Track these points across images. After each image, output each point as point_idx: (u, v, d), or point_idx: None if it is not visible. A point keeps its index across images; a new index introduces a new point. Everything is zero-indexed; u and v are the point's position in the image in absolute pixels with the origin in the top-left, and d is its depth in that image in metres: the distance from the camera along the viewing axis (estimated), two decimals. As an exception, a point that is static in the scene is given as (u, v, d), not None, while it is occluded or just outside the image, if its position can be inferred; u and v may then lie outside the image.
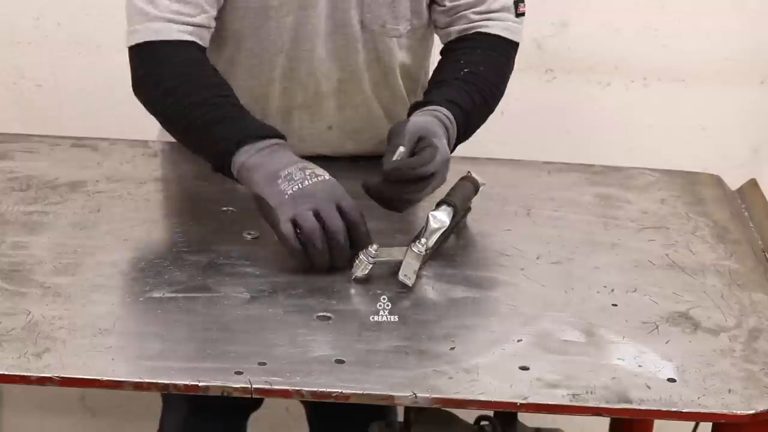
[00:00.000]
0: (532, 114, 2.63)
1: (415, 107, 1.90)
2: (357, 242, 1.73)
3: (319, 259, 1.71)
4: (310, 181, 1.73)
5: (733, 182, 2.19)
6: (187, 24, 1.86)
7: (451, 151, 1.87)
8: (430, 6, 2.02)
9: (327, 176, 1.74)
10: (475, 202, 1.97)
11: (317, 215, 1.70)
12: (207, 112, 1.80)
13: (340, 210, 1.72)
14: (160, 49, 1.85)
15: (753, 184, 2.14)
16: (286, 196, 1.71)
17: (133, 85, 1.88)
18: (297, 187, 1.72)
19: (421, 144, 1.79)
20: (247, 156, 1.77)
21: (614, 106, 2.67)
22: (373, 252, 1.72)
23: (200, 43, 1.88)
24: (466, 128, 1.91)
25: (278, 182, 1.73)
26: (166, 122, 1.88)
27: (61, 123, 2.57)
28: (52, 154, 2.15)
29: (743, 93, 2.65)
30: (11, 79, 2.64)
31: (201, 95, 1.82)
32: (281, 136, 1.81)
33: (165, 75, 1.85)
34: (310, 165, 1.76)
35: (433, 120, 1.84)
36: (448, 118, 1.86)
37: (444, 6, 1.99)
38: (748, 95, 2.65)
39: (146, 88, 1.87)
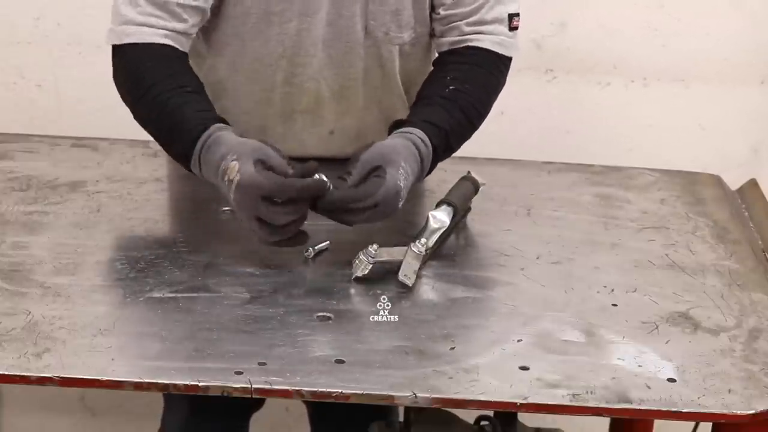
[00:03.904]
0: (532, 114, 2.63)
1: (394, 126, 1.89)
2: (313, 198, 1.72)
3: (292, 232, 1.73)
4: (232, 191, 1.70)
5: (733, 182, 2.19)
6: (161, 28, 1.86)
7: (428, 173, 1.86)
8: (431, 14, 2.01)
9: (237, 177, 1.69)
10: (475, 202, 1.97)
11: (260, 219, 1.70)
12: (154, 121, 1.83)
13: (272, 196, 1.69)
14: (127, 52, 1.87)
15: (753, 184, 2.14)
16: (234, 206, 1.72)
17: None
18: (232, 200, 1.71)
19: (373, 173, 1.75)
20: (199, 174, 1.79)
21: (614, 106, 2.67)
22: (373, 252, 1.72)
23: (174, 44, 1.88)
24: (445, 147, 1.88)
25: (223, 193, 1.74)
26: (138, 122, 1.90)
27: (61, 123, 2.57)
28: (52, 154, 2.16)
29: (743, 93, 2.65)
30: (11, 79, 2.64)
31: (146, 98, 1.82)
32: (205, 127, 1.78)
33: (125, 79, 1.87)
34: (224, 163, 1.72)
35: (404, 143, 1.81)
36: (422, 141, 1.83)
37: (438, 14, 1.98)
38: (748, 95, 2.65)
39: (118, 89, 1.89)
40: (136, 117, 1.87)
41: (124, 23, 1.87)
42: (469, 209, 1.95)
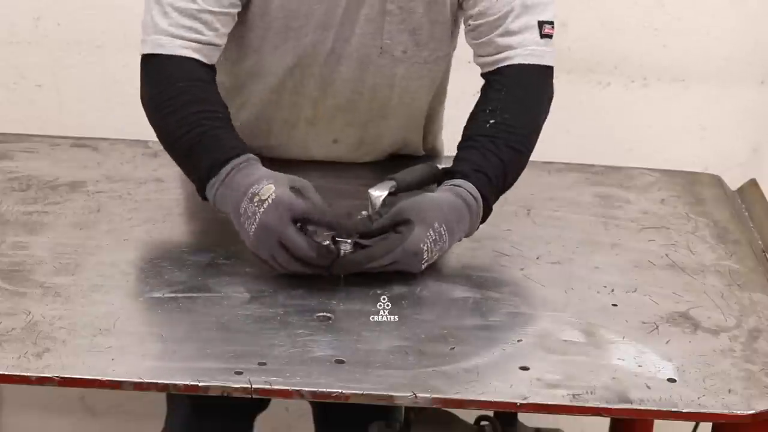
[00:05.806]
0: (532, 114, 2.63)
1: (443, 176, 1.84)
2: (336, 233, 1.69)
3: (312, 270, 1.70)
4: (260, 213, 1.67)
5: (733, 182, 2.19)
6: (193, 41, 1.84)
7: (483, 221, 1.82)
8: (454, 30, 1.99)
9: (273, 196, 1.67)
10: (475, 202, 1.97)
11: (283, 245, 1.67)
12: (183, 135, 1.79)
13: (304, 219, 1.67)
14: (160, 63, 1.85)
15: (753, 184, 2.14)
16: (251, 238, 1.69)
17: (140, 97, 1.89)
18: (254, 224, 1.67)
19: (400, 225, 1.71)
20: (212, 193, 1.76)
21: (614, 106, 2.67)
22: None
23: (204, 60, 1.86)
24: (502, 188, 1.84)
25: (242, 221, 1.70)
26: (159, 139, 1.87)
27: (61, 123, 2.57)
28: (52, 154, 2.16)
29: (743, 93, 2.65)
30: (11, 79, 2.64)
31: (180, 114, 1.80)
32: (241, 152, 1.77)
33: (157, 91, 1.84)
34: (256, 186, 1.69)
35: (451, 201, 1.76)
36: (472, 195, 1.78)
37: (469, 25, 1.94)
38: (748, 95, 2.65)
39: (144, 102, 1.86)
40: (160, 127, 1.84)
41: (156, 33, 1.84)
42: None
